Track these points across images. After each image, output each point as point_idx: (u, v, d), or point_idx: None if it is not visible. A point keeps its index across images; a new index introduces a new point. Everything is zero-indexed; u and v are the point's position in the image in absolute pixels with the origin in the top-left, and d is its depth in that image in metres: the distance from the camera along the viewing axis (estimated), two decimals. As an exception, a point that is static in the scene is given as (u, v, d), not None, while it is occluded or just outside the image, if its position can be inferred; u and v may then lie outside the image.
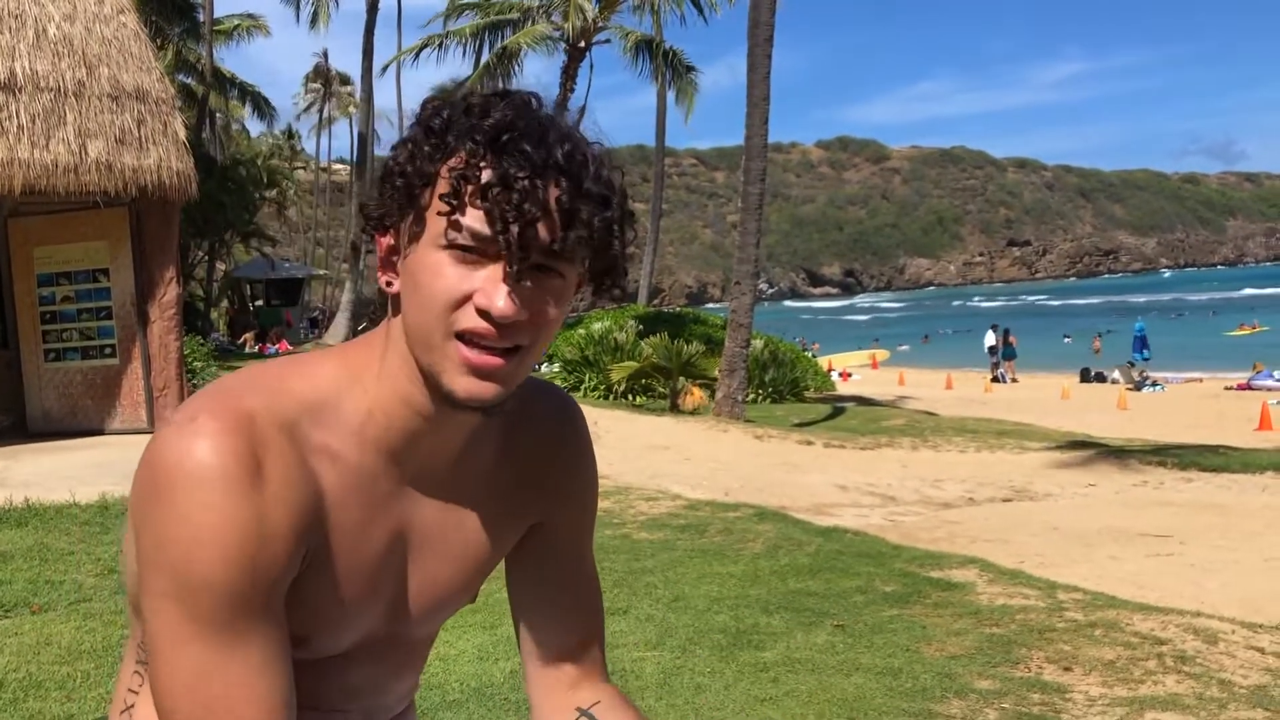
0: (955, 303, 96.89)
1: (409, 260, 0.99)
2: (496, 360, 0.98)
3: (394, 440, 1.06)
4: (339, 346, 1.11)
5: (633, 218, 1.04)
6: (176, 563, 0.93)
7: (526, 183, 0.94)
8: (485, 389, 0.98)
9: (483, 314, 0.96)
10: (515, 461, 1.18)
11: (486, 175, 0.94)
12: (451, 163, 0.97)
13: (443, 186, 0.96)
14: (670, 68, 22.18)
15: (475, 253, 0.96)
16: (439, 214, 0.96)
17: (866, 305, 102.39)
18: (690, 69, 22.73)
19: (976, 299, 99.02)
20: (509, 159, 0.95)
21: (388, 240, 1.02)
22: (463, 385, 0.98)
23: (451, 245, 0.96)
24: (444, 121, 0.98)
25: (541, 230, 0.95)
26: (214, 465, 0.94)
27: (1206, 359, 31.45)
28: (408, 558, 1.12)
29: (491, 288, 0.95)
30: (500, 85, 1.09)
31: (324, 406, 1.03)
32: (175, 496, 0.93)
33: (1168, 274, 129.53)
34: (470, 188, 0.95)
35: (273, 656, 0.97)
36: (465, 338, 0.97)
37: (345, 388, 1.05)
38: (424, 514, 1.11)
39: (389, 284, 1.03)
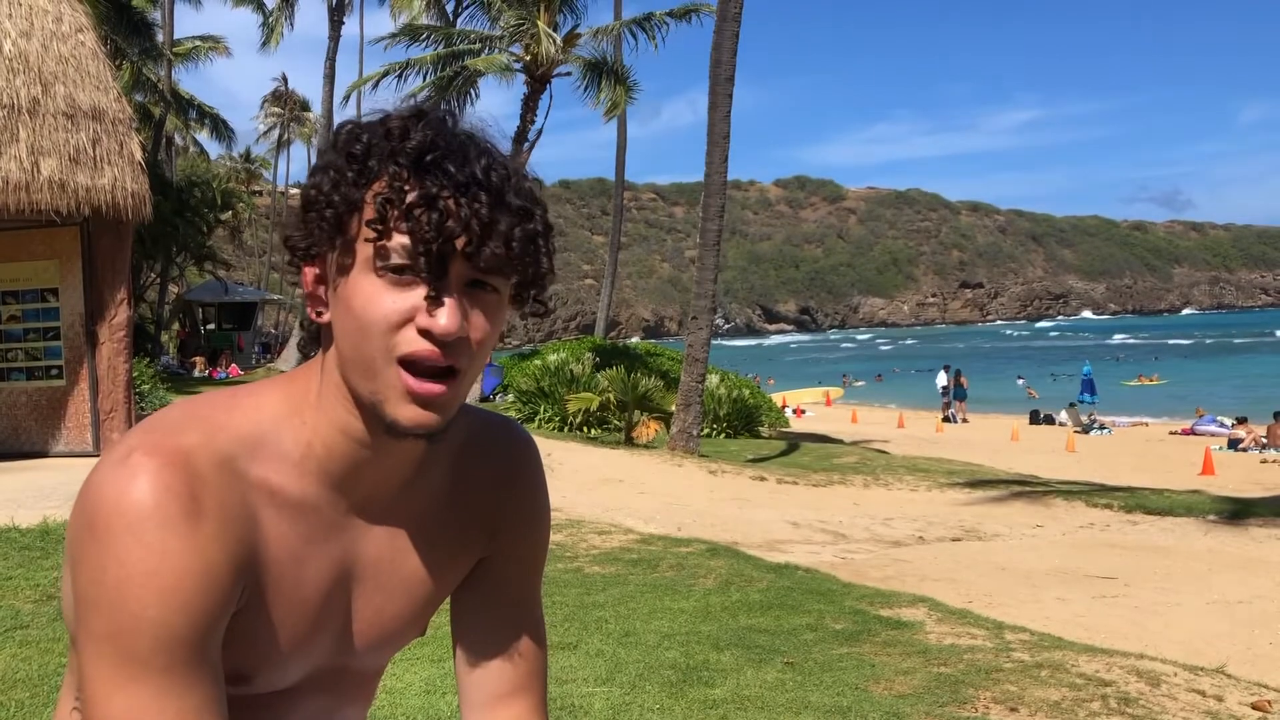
0: (848, 345, 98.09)
1: (341, 289, 0.98)
2: (438, 388, 0.97)
3: (336, 470, 1.05)
4: (279, 378, 1.10)
5: (552, 230, 1.03)
6: (112, 603, 0.92)
7: (450, 201, 0.95)
8: (428, 418, 0.98)
9: (424, 334, 0.96)
10: (465, 494, 1.17)
11: (411, 197, 0.95)
12: (376, 187, 0.96)
13: (369, 212, 0.96)
14: (614, 85, 22.24)
15: (407, 274, 0.95)
16: (367, 240, 0.96)
17: (774, 345, 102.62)
18: (630, 87, 22.79)
19: (879, 341, 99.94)
20: (431, 179, 0.95)
21: (314, 270, 1.02)
22: (406, 414, 0.98)
23: (382, 270, 0.96)
24: (365, 146, 0.98)
25: (463, 246, 0.95)
26: (149, 504, 0.93)
27: (1150, 403, 32.03)
28: (354, 590, 1.11)
29: (430, 307, 0.95)
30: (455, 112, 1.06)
31: (263, 440, 1.03)
32: (111, 536, 0.92)
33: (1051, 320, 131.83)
34: (395, 211, 0.95)
35: (210, 698, 0.96)
36: (407, 363, 0.97)
37: (284, 420, 1.04)
38: (370, 545, 1.10)
39: (319, 314, 1.02)
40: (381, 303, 0.96)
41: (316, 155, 1.05)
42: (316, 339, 1.08)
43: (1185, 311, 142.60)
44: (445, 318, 0.95)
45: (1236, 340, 76.08)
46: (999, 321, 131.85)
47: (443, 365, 0.97)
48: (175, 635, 0.93)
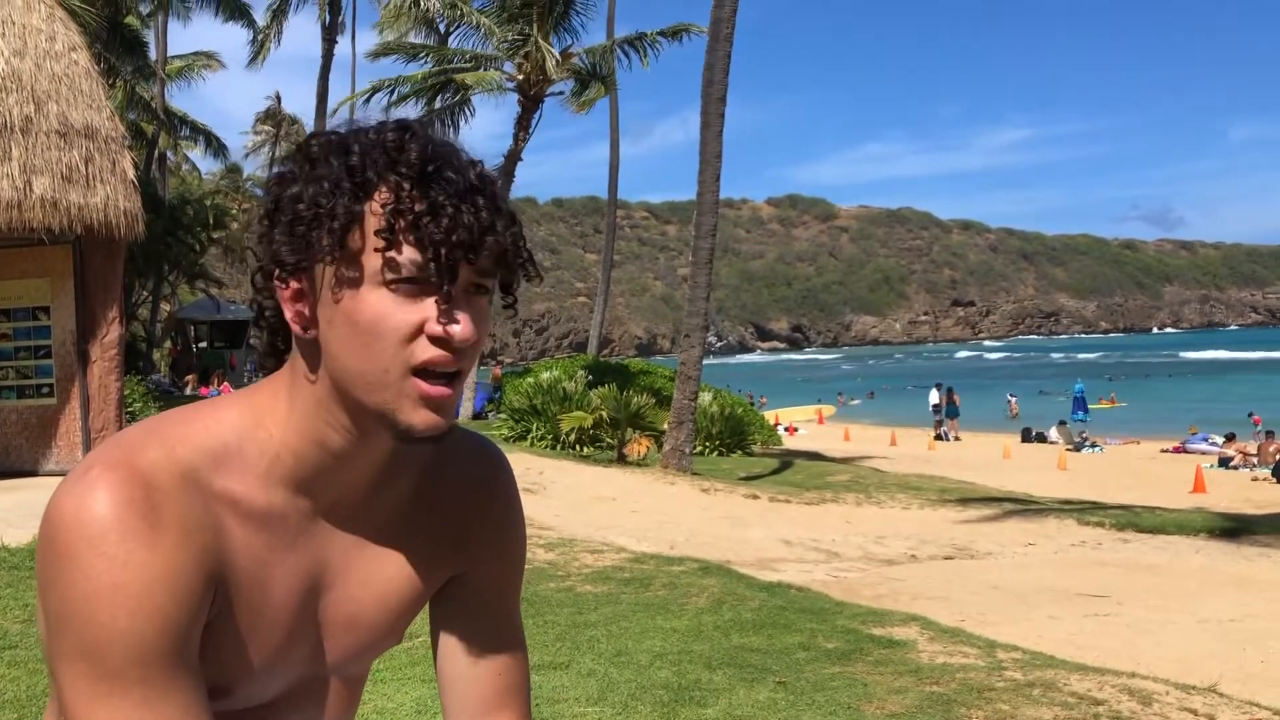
0: (807, 360, 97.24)
1: (343, 304, 0.98)
2: (448, 391, 1.00)
3: (304, 477, 1.06)
4: (236, 394, 1.10)
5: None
6: (81, 618, 0.92)
7: (453, 209, 0.96)
8: (440, 421, 1.00)
9: (439, 342, 0.97)
10: (437, 508, 1.17)
11: (418, 207, 0.96)
12: (380, 199, 0.97)
13: (375, 224, 0.96)
14: (598, 86, 22.25)
15: (415, 284, 0.97)
16: (376, 250, 0.96)
17: (736, 364, 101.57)
18: (610, 84, 22.79)
19: (842, 363, 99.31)
20: (436, 188, 0.97)
21: (296, 286, 1.01)
22: (421, 419, 0.99)
23: (392, 282, 0.96)
24: (360, 158, 0.98)
25: (469, 252, 0.98)
26: (110, 517, 0.93)
27: (1143, 422, 32.02)
28: (326, 599, 1.11)
29: (441, 315, 0.97)
30: (451, 130, 1.08)
31: (225, 452, 1.03)
32: (73, 552, 0.92)
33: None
34: (402, 221, 0.96)
35: (192, 706, 0.96)
36: (420, 371, 0.98)
37: (248, 433, 1.05)
38: (340, 554, 1.11)
39: (305, 330, 1.02)
40: (394, 315, 0.97)
41: (281, 167, 1.04)
42: (277, 355, 1.08)
43: (1167, 330, 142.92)
44: (461, 325, 0.98)
45: (1183, 356, 76.90)
46: (947, 343, 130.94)
47: (453, 369, 0.99)
48: (148, 645, 0.92)
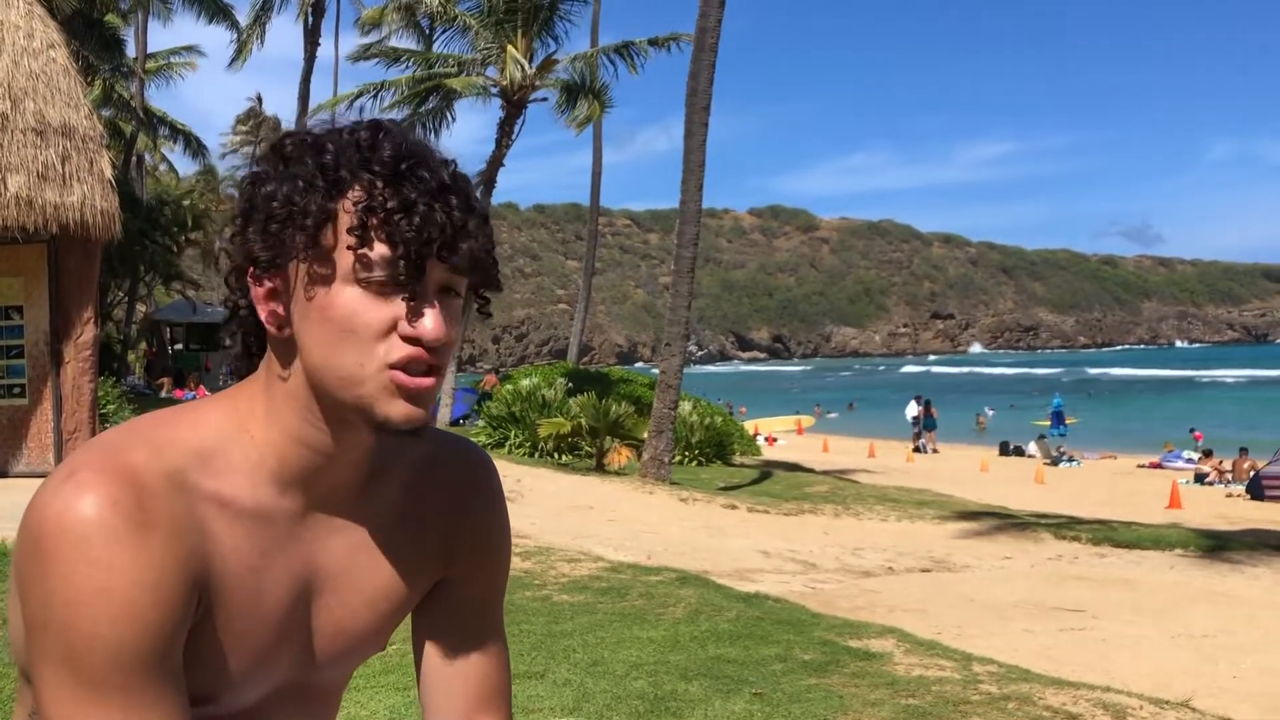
0: (770, 371, 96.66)
1: (316, 301, 0.98)
2: (429, 381, 0.99)
3: (290, 477, 1.05)
4: (216, 396, 1.09)
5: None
6: (63, 624, 0.90)
7: (426, 206, 0.96)
8: (418, 413, 1.00)
9: (411, 341, 0.97)
10: (424, 511, 1.17)
11: (391, 204, 0.96)
12: (353, 196, 0.97)
13: (348, 221, 0.96)
14: (591, 100, 22.22)
15: (388, 282, 0.96)
16: (348, 248, 0.96)
17: (702, 373, 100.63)
18: (605, 101, 22.71)
19: (807, 376, 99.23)
20: (409, 186, 0.97)
21: (271, 285, 1.00)
22: (398, 411, 0.98)
23: (364, 280, 0.96)
24: (334, 156, 0.98)
25: (440, 250, 0.97)
26: (95, 519, 0.91)
27: (1120, 437, 32.22)
28: (314, 603, 1.10)
29: (412, 314, 0.97)
30: (432, 134, 1.08)
31: (211, 454, 1.02)
32: (57, 555, 0.90)
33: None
34: (375, 219, 0.95)
35: (174, 717, 0.94)
36: (396, 367, 0.98)
37: (232, 435, 1.03)
38: (328, 558, 1.09)
39: (280, 329, 1.01)
40: (365, 312, 0.97)
41: (258, 165, 1.04)
42: (250, 357, 1.07)
43: (1140, 345, 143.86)
44: (432, 323, 0.97)
45: (1114, 372, 77.95)
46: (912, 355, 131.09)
47: (429, 365, 0.99)
48: (131, 652, 0.91)
